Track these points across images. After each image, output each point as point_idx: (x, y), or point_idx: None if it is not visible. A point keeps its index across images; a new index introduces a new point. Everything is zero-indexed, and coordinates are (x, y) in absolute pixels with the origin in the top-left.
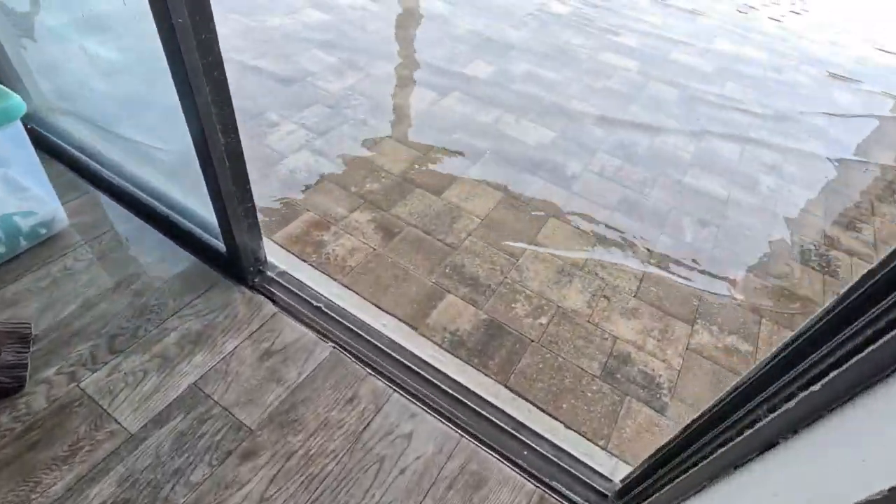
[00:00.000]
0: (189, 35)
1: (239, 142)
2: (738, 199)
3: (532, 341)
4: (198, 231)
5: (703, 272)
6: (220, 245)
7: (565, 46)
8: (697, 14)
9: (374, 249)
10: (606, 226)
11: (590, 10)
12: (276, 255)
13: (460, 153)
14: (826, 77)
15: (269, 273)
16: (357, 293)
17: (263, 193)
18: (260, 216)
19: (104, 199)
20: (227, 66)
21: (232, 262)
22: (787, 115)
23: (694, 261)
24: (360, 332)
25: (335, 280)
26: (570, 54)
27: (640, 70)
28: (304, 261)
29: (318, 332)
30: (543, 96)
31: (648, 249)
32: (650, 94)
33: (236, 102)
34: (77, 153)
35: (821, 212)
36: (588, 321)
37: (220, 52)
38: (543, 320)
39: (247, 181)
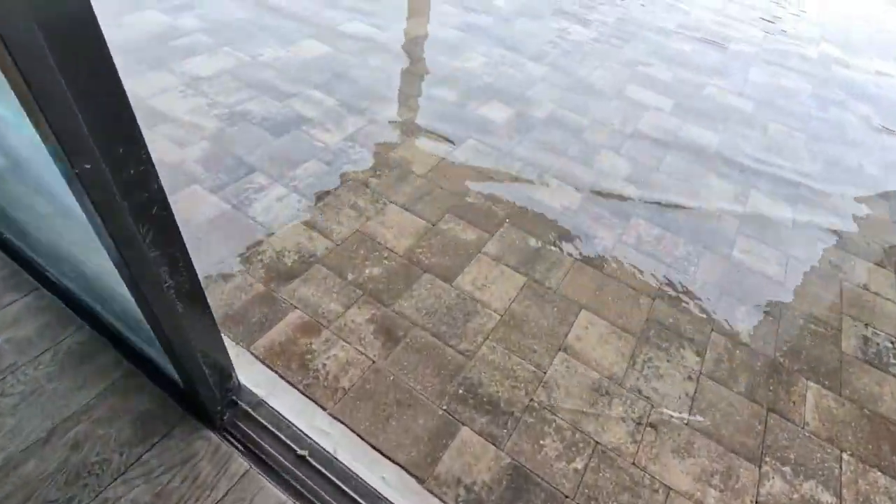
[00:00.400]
0: (106, 181)
1: (194, 279)
2: (796, 279)
3: (566, 497)
4: (153, 353)
5: (765, 390)
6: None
7: (590, 80)
8: (727, 40)
9: (374, 362)
10: (648, 319)
11: (614, 37)
12: (254, 373)
13: (476, 223)
14: (877, 116)
15: (242, 404)
16: (351, 428)
17: (244, 286)
18: (237, 315)
19: (51, 302)
20: (213, 111)
21: (195, 396)
22: (841, 165)
23: (751, 371)
24: (353, 494)
25: (324, 409)
26: (596, 91)
27: (673, 110)
28: (288, 381)
29: (300, 497)
30: (569, 146)
31: (698, 353)
32: (686, 140)
33: (220, 158)
34: (19, 242)
35: (894, 294)
36: (633, 463)
37: (160, 186)
38: (579, 464)
39: (209, 320)
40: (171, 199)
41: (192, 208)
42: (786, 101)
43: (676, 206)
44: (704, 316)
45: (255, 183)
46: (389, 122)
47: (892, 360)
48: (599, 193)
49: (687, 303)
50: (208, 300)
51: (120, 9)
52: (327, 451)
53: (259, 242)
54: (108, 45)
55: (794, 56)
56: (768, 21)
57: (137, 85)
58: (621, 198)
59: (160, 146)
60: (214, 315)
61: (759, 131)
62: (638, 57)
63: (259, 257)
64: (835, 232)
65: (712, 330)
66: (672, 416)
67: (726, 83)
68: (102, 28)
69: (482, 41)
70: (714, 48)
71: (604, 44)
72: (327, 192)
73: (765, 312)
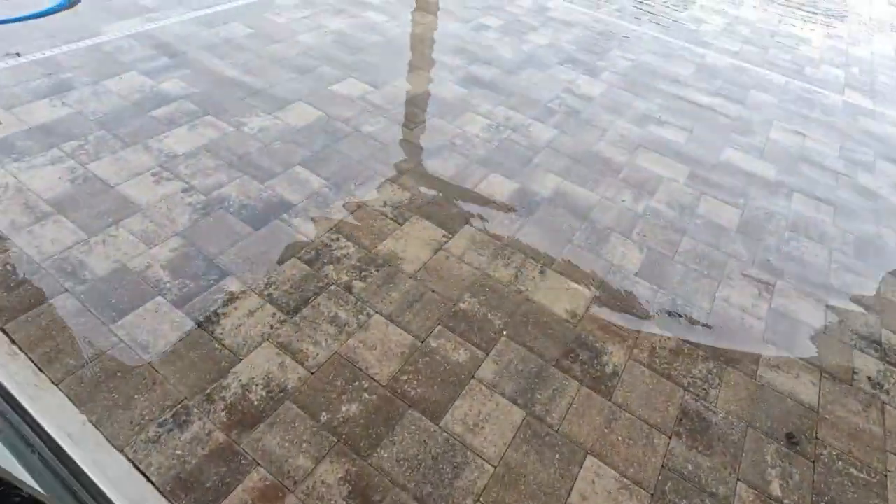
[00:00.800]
0: None
1: None
2: (832, 402)
3: None
4: None
5: None
6: None
7: (599, 146)
8: (746, 88)
9: None
10: (663, 466)
11: (624, 89)
12: None
13: (469, 337)
14: None
15: None
16: None
17: (201, 436)
18: (191, 478)
19: None
20: (188, 198)
21: None
22: (875, 248)
23: None
24: None
25: None
26: (605, 159)
27: (688, 180)
28: None
29: None
30: (575, 230)
31: None
32: (705, 218)
33: (190, 259)
34: None
35: None
36: None
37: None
38: None
39: None
40: (131, 318)
41: (153, 329)
42: (811, 166)
43: (694, 308)
44: (728, 459)
45: (225, 291)
46: (380, 204)
47: None
48: (609, 295)
49: (710, 442)
50: (159, 457)
51: (100, 71)
52: None
53: (224, 373)
54: (85, 117)
55: (818, 108)
56: (789, 65)
57: (109, 168)
58: (633, 299)
59: (126, 246)
60: (164, 478)
61: (784, 205)
62: (650, 114)
63: (222, 394)
64: (873, 339)
65: (738, 479)
66: None
67: (746, 144)
68: (79, 97)
69: (485, 98)
70: (732, 100)
71: (614, 99)
72: (306, 302)
73: (798, 451)
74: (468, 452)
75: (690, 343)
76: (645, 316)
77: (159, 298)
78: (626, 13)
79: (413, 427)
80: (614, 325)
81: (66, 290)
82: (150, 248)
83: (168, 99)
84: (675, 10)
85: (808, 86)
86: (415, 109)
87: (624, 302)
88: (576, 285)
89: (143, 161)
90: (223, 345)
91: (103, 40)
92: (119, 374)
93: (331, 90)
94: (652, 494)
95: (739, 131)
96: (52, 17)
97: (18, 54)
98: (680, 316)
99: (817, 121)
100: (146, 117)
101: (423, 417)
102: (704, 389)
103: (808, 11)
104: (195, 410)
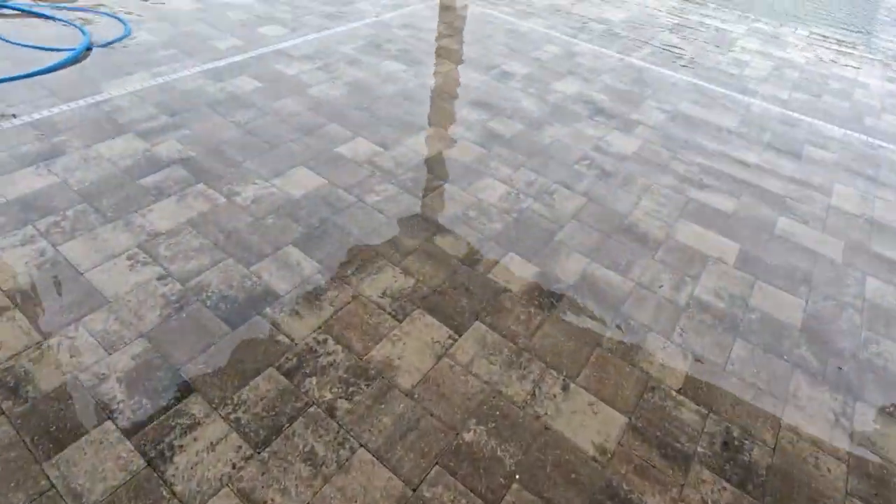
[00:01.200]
0: None
1: None
2: None
3: None
4: None
5: None
6: None
7: (632, 218)
8: (800, 143)
9: None
10: None
11: (661, 146)
12: None
13: (473, 485)
14: None
15: None
16: None
17: None
18: None
19: None
20: (162, 288)
21: None
22: None
23: None
24: None
25: None
26: (640, 234)
27: (739, 261)
28: None
29: None
30: (605, 329)
31: None
32: (760, 311)
33: (153, 370)
34: None
35: None
36: None
37: None
38: None
39: None
40: (70, 451)
41: (93, 469)
42: (884, 240)
43: (755, 441)
44: None
45: (187, 414)
46: (378, 294)
47: None
48: (646, 420)
49: None
50: None
51: (94, 134)
52: None
53: None
54: (69, 188)
55: (885, 165)
56: (846, 113)
57: (83, 249)
58: (677, 428)
59: (83, 351)
60: None
61: (856, 294)
62: (691, 176)
63: None
64: None
65: None
66: None
67: (805, 213)
68: (67, 163)
69: (505, 160)
70: (785, 157)
71: (649, 160)
72: (279, 430)
73: None
74: None
75: (752, 496)
76: (692, 453)
77: (108, 424)
78: (661, 58)
79: None
80: (653, 467)
81: (3, 413)
82: (110, 353)
83: (160, 164)
84: (715, 53)
85: (870, 139)
86: (426, 174)
87: (665, 432)
88: (605, 408)
89: (121, 241)
90: (173, 492)
91: (104, 98)
92: None
93: (337, 152)
94: None
95: (795, 196)
96: (56, 73)
97: (14, 116)
98: (731, 433)
99: (885, 182)
100: (134, 186)
101: None
102: None
103: (862, 53)
104: None
